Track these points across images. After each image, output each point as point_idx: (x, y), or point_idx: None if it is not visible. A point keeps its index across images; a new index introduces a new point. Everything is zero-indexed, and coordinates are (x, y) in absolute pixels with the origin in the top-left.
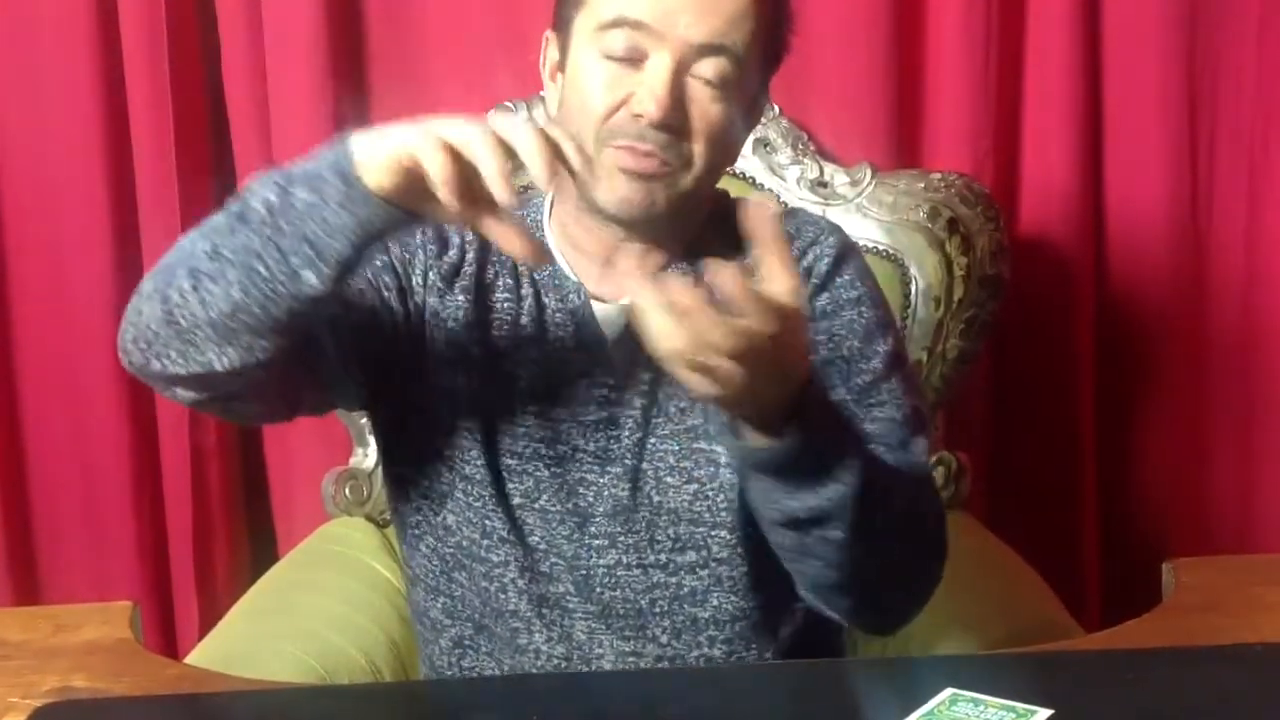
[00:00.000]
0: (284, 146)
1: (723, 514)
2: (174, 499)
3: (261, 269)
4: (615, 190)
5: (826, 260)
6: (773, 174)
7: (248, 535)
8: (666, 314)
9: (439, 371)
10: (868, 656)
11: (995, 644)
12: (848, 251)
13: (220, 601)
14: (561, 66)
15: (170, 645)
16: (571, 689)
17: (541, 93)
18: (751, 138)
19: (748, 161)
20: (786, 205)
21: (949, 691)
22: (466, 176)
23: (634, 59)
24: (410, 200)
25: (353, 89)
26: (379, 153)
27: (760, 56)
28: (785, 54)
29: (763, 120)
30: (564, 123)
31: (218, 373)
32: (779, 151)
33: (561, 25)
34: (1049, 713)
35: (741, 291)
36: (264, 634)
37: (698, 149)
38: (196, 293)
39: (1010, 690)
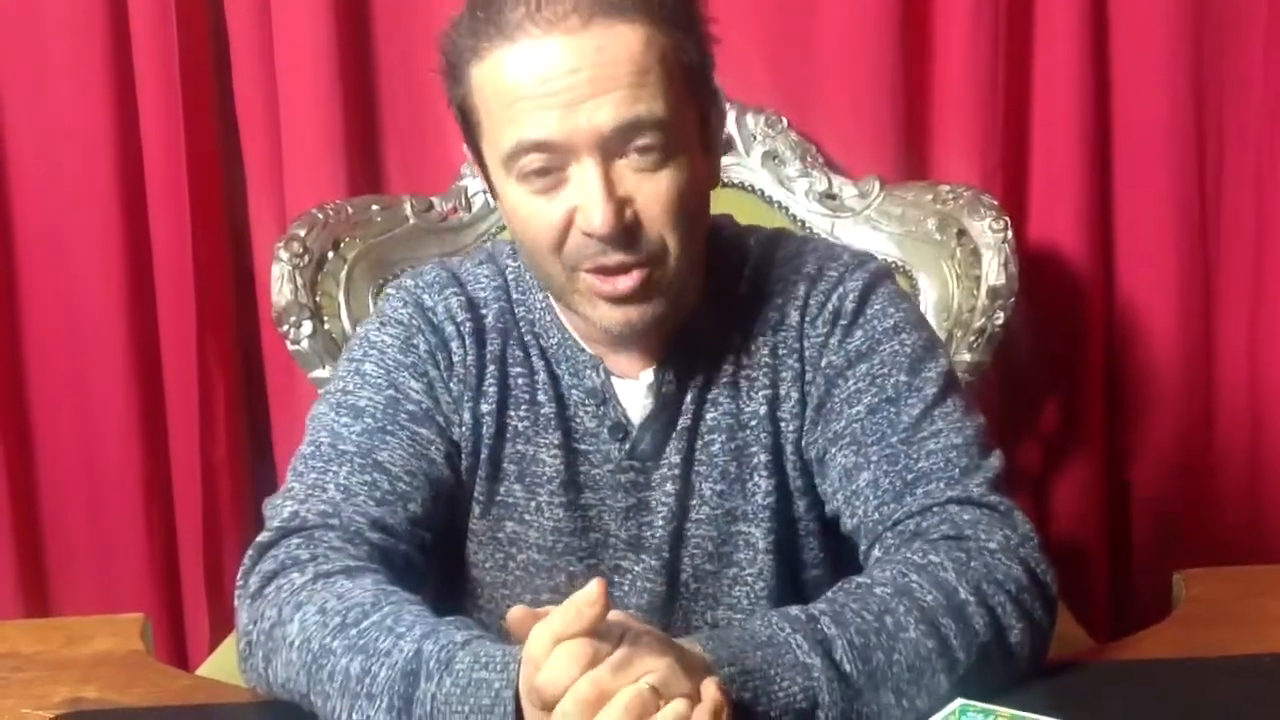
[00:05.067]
0: (293, 152)
1: (762, 601)
2: (185, 512)
3: None
4: (607, 318)
5: (853, 297)
6: (781, 186)
7: None
8: None
9: (468, 483)
10: None
11: None
12: (876, 281)
13: (231, 614)
14: (492, 191)
15: (181, 657)
16: None
17: None
18: (760, 150)
19: (756, 175)
20: (812, 240)
21: (959, 702)
22: None
23: (556, 168)
24: None
25: (361, 97)
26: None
27: (685, 85)
28: (712, 47)
29: (771, 133)
30: (521, 246)
31: None
32: (787, 164)
33: (474, 151)
34: None
35: None
36: None
37: (665, 229)
38: None
39: (1020, 701)
